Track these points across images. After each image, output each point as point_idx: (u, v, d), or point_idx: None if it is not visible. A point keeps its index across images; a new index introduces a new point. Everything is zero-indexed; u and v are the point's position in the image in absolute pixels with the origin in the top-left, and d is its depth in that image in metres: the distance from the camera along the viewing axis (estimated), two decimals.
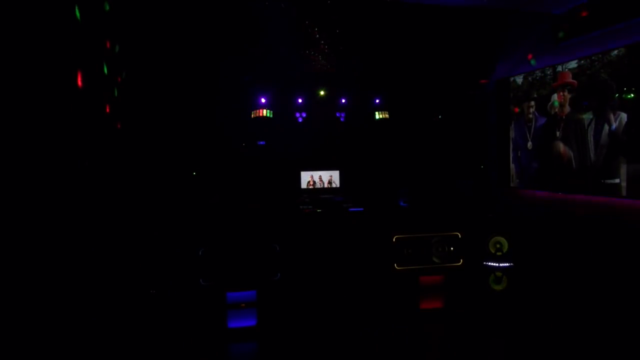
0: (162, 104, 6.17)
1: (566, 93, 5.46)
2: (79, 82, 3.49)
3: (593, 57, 5.09)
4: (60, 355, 3.22)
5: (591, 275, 4.92)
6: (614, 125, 4.82)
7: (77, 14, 3.45)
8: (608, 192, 4.90)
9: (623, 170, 4.76)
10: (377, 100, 7.22)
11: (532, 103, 6.06)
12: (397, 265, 5.09)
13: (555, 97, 5.61)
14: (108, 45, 4.43)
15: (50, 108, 3.20)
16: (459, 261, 5.18)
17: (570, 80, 5.39)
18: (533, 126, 6.08)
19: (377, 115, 7.25)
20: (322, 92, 7.00)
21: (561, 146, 5.59)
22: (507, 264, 5.19)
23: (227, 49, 6.00)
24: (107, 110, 4.46)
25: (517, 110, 6.35)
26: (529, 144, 6.14)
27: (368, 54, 6.36)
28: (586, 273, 4.98)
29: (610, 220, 4.85)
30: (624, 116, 4.71)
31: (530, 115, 6.11)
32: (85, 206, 3.64)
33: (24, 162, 2.99)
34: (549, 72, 5.72)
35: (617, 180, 4.81)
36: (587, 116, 5.16)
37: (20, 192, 2.97)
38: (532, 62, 4.86)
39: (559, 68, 5.54)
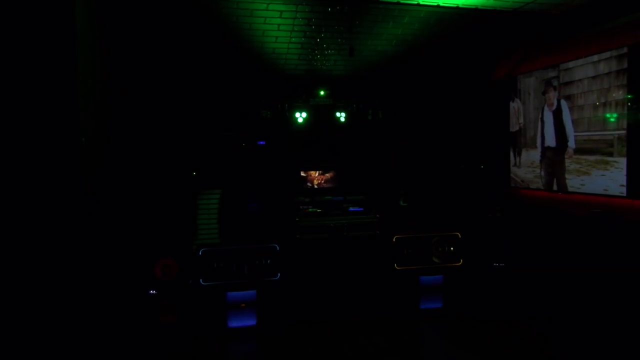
0: (162, 103, 6.17)
1: (565, 97, 5.47)
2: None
3: (593, 57, 5.09)
4: (60, 355, 3.23)
5: (591, 275, 4.92)
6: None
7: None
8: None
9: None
10: (377, 100, 7.21)
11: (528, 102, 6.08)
12: (397, 265, 5.08)
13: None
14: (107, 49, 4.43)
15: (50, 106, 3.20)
16: (459, 261, 5.18)
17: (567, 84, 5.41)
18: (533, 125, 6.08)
19: (377, 115, 7.25)
20: (322, 92, 7.00)
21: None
22: (506, 264, 5.19)
23: (225, 49, 6.00)
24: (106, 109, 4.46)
25: (516, 110, 6.36)
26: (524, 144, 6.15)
27: (368, 52, 6.36)
28: (586, 273, 4.98)
29: (610, 220, 4.85)
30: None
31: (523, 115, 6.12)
32: (85, 206, 3.64)
33: (24, 162, 2.99)
34: (549, 72, 5.72)
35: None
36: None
37: (27, 194, 2.97)
38: None
39: (560, 67, 5.54)
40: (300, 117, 6.88)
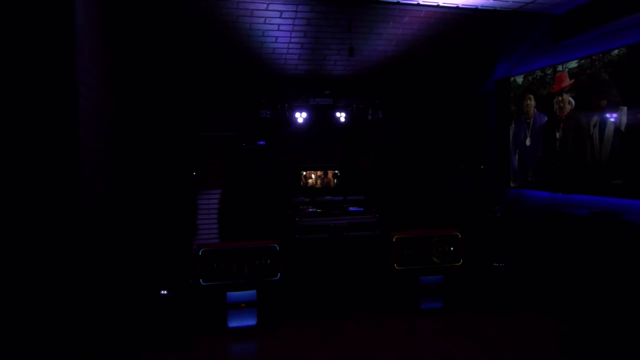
0: (162, 102, 6.17)
1: (565, 96, 5.45)
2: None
3: (593, 57, 5.08)
4: (60, 355, 3.22)
5: (591, 276, 4.91)
6: (618, 122, 4.80)
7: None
8: (611, 192, 4.89)
9: (625, 169, 4.76)
10: (377, 101, 7.21)
11: (531, 102, 6.07)
12: (397, 265, 5.09)
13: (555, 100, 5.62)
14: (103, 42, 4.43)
15: (48, 108, 3.20)
16: (459, 261, 5.19)
17: (568, 83, 5.39)
18: (531, 126, 6.08)
19: (377, 115, 7.24)
20: (323, 92, 7.00)
21: (562, 146, 5.59)
22: (505, 264, 5.19)
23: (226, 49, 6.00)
24: (106, 109, 4.46)
25: (516, 109, 6.35)
26: (528, 141, 6.14)
27: (368, 53, 6.36)
28: (586, 273, 4.98)
29: (611, 221, 4.84)
30: (624, 110, 4.72)
31: (530, 114, 6.11)
32: (85, 205, 3.64)
33: (23, 162, 2.99)
34: (549, 72, 5.71)
35: (620, 180, 4.81)
36: (592, 117, 5.15)
37: (21, 192, 2.96)
38: None
39: (559, 68, 5.53)
40: (300, 117, 6.87)
